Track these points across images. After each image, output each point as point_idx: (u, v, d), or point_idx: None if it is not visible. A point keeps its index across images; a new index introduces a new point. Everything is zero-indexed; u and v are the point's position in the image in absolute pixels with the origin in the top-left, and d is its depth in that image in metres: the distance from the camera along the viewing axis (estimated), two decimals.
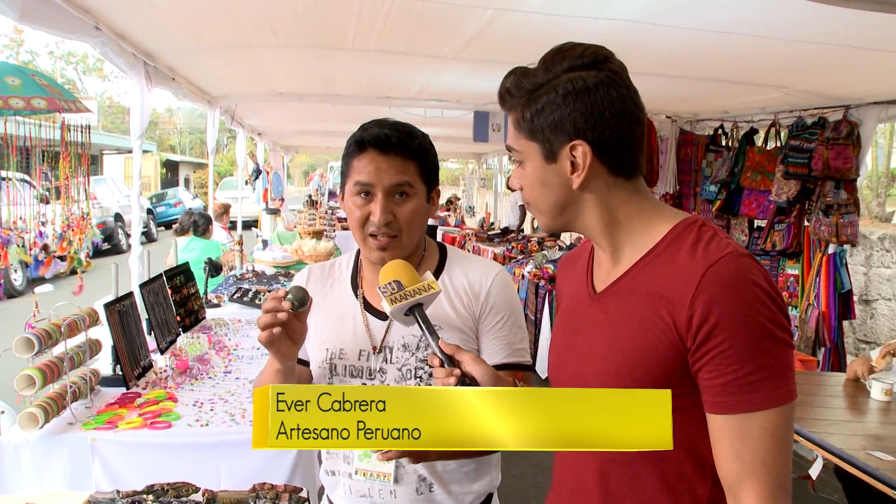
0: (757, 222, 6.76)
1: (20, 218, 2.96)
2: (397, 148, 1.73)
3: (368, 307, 1.87)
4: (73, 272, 3.42)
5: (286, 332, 1.59)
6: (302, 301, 1.60)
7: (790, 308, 6.15)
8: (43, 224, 3.11)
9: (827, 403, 3.83)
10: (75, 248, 3.16)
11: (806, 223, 6.01)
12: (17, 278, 11.64)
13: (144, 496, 2.18)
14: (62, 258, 3.27)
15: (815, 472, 3.36)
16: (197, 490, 2.25)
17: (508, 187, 15.17)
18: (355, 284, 1.93)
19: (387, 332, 1.83)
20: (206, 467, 2.67)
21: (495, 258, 9.68)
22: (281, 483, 2.50)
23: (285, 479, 2.68)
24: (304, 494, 2.25)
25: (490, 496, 1.95)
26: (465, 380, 1.45)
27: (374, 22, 4.17)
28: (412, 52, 5.02)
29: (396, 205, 1.75)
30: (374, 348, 1.82)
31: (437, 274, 1.88)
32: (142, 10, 3.92)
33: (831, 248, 5.62)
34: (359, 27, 4.33)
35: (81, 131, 3.03)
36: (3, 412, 3.22)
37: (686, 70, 4.98)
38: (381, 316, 1.84)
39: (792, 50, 4.09)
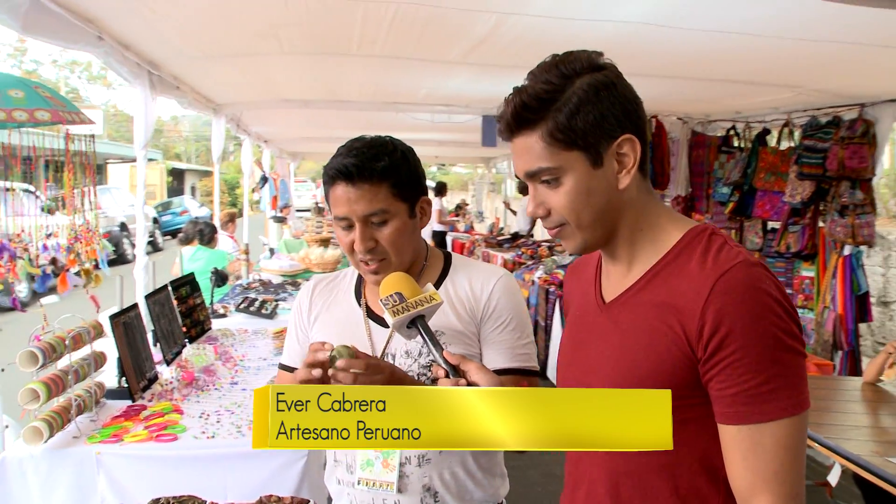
0: (771, 224, 6.67)
1: (23, 230, 2.91)
2: (361, 177, 1.70)
3: (371, 315, 1.89)
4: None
5: None
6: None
7: (805, 311, 6.09)
8: (48, 236, 3.06)
9: (843, 408, 3.76)
10: (83, 259, 3.12)
11: (821, 224, 5.92)
12: (22, 290, 11.55)
13: None
14: (77, 273, 3.24)
15: (834, 478, 3.31)
16: (203, 503, 2.22)
17: (509, 208, 15.10)
18: (359, 293, 1.95)
19: (389, 339, 1.83)
20: (213, 480, 2.63)
21: (504, 264, 9.62)
22: (288, 495, 2.47)
23: (293, 491, 2.64)
24: None
25: None
26: None
27: (380, 28, 4.14)
28: (418, 58, 4.99)
29: (376, 230, 1.74)
30: (377, 356, 1.82)
31: (440, 281, 1.89)
32: (145, 20, 3.90)
33: (847, 250, 5.54)
34: (364, 33, 4.29)
35: (85, 142, 2.99)
36: (6, 427, 3.19)
37: (696, 71, 4.93)
38: (384, 323, 1.84)
39: (804, 49, 4.03)
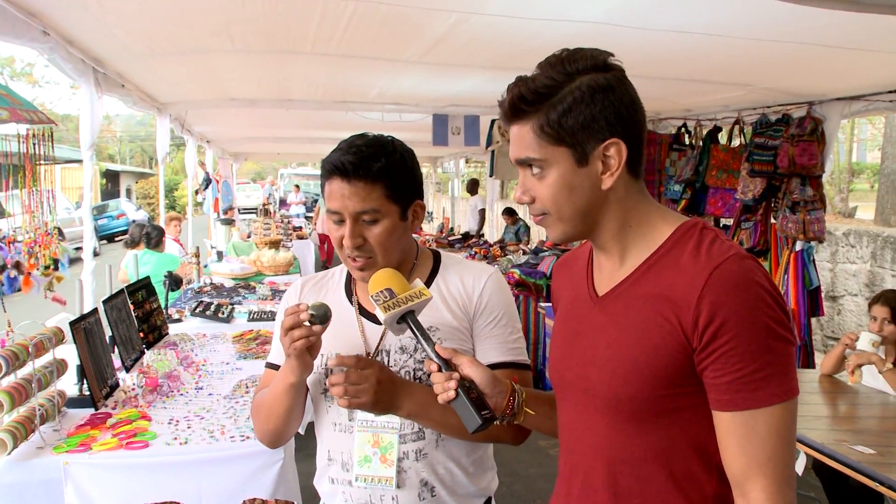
0: (723, 221, 6.79)
1: None
2: (357, 175, 1.70)
3: (363, 312, 1.88)
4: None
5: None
6: (323, 318, 1.61)
7: None
8: (3, 238, 2.95)
9: (804, 399, 3.85)
10: (42, 263, 3.01)
11: (773, 221, 6.02)
12: None
13: None
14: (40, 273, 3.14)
15: (800, 468, 3.37)
16: None
17: (482, 204, 15.10)
18: (349, 291, 1.93)
19: (383, 335, 1.83)
20: (186, 486, 2.56)
21: None
22: (269, 498, 2.43)
23: (268, 495, 2.60)
24: None
25: (489, 500, 1.94)
26: (465, 383, 1.50)
27: (337, 27, 4.09)
28: (374, 57, 4.96)
29: (366, 228, 1.74)
30: (368, 354, 1.82)
31: (431, 279, 1.89)
32: (93, 15, 3.79)
33: (798, 245, 5.64)
34: (319, 32, 4.24)
35: (42, 143, 2.88)
36: None
37: (649, 70, 4.98)
38: (377, 320, 1.83)
39: (755, 49, 4.13)
